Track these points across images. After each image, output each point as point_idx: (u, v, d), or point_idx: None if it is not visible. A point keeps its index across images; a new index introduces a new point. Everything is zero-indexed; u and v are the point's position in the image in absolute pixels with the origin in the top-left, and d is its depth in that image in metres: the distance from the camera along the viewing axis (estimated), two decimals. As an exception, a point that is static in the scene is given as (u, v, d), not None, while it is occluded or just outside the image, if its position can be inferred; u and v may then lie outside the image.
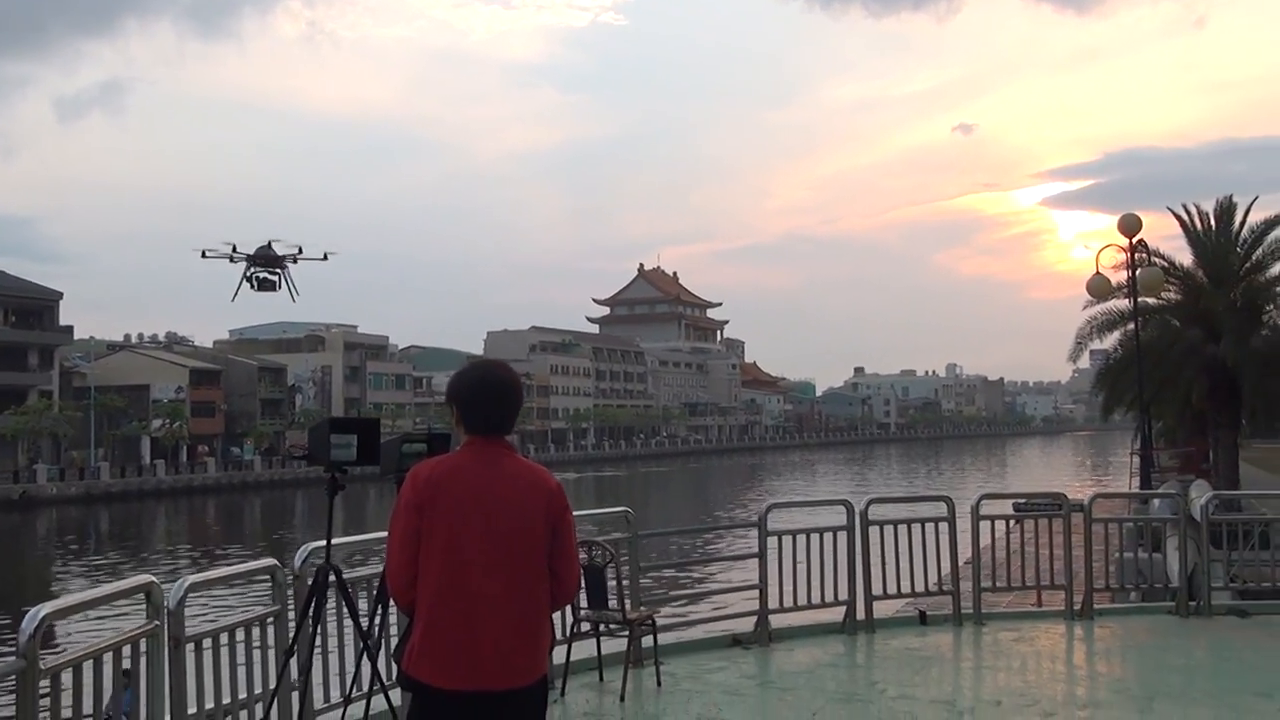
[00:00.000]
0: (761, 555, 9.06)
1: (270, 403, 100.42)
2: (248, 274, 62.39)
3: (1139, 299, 26.71)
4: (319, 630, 5.16)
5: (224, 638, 5.16)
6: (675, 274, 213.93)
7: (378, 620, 5.44)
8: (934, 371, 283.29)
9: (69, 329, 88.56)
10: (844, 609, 9.46)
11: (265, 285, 62.40)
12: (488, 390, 3.65)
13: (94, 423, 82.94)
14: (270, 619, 5.52)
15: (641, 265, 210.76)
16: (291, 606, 5.63)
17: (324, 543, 5.84)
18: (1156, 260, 29.48)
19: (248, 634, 5.34)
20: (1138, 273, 24.85)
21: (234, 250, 62.02)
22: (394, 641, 5.77)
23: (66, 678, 4.01)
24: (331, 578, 5.10)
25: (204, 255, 62.77)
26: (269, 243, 62.88)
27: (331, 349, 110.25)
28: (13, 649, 4.01)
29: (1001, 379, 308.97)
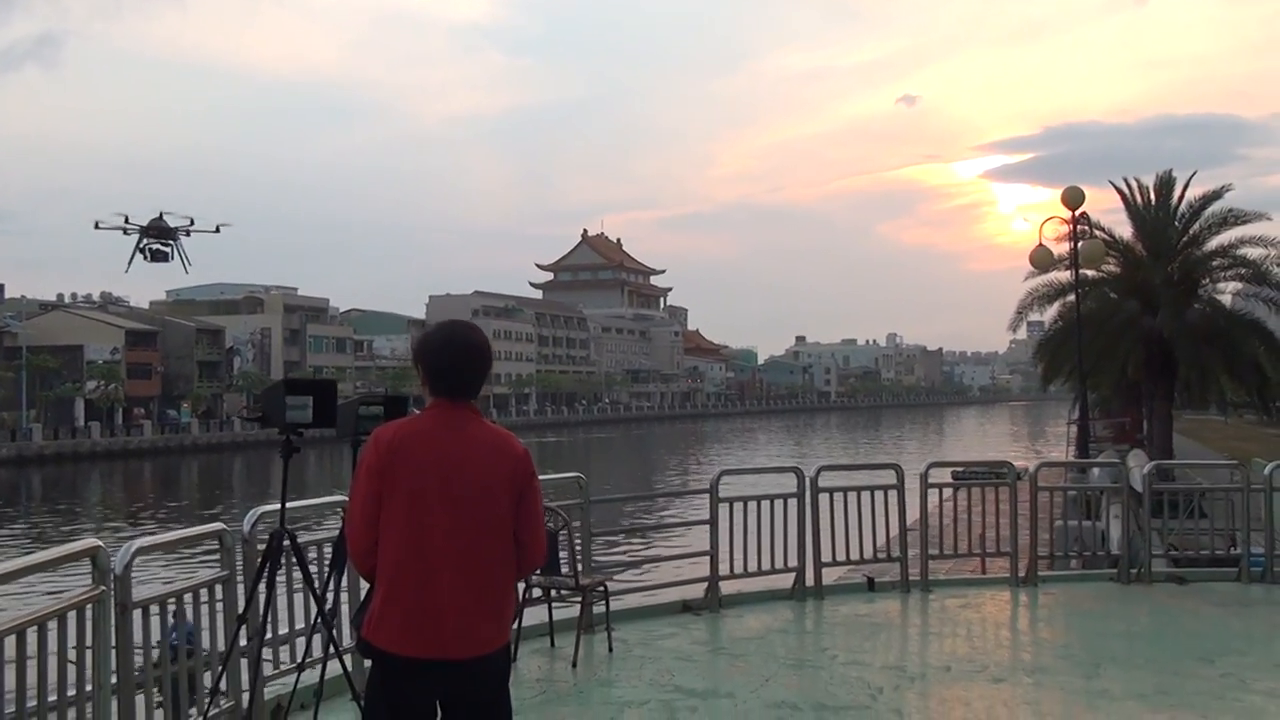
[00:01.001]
0: (713, 522, 9.06)
1: (208, 365, 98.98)
2: (141, 245, 64.07)
3: (1080, 271, 26.99)
4: (271, 596, 5.04)
5: (172, 603, 5.04)
6: (619, 241, 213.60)
7: (331, 586, 5.34)
8: (874, 341, 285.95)
9: (0, 286, 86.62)
10: (793, 575, 9.50)
11: (158, 256, 63.90)
12: (455, 352, 3.56)
13: (25, 383, 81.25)
14: (219, 584, 5.40)
15: (585, 231, 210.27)
16: (241, 571, 5.52)
17: (276, 506, 5.74)
18: (1098, 233, 29.88)
19: (195, 599, 5.22)
20: (1080, 245, 25.07)
21: (126, 221, 63.02)
22: (348, 608, 5.69)
23: (9, 646, 3.89)
24: (286, 543, 4.98)
25: (97, 226, 63.74)
26: (161, 214, 64.10)
27: (270, 311, 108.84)
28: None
29: (940, 349, 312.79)
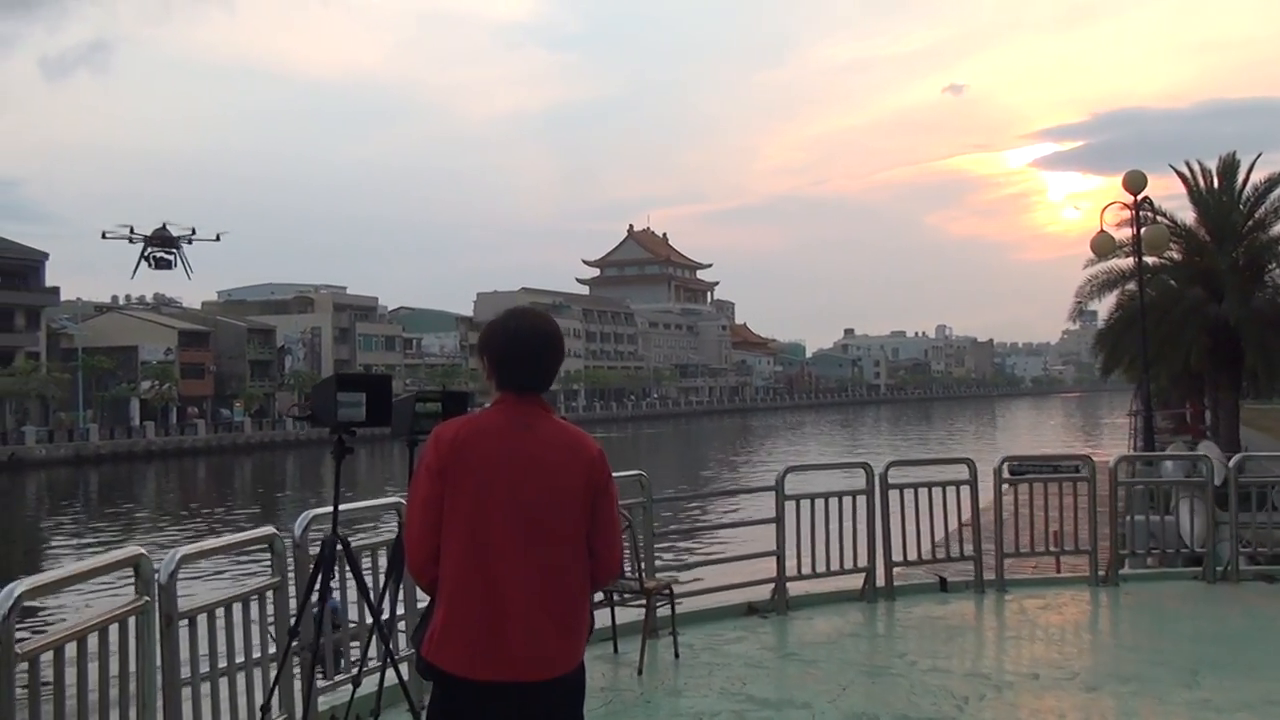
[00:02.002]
0: (779, 520, 8.70)
1: (259, 364, 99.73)
2: (145, 253, 67.07)
3: (1142, 257, 26.26)
4: (325, 606, 4.74)
5: (220, 614, 4.76)
6: (665, 235, 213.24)
7: (388, 593, 5.04)
8: (924, 333, 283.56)
9: (55, 290, 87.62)
10: (862, 576, 9.13)
11: (161, 264, 67.00)
12: (525, 341, 3.23)
13: (82, 384, 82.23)
14: (269, 591, 5.13)
15: (631, 227, 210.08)
16: (293, 578, 5.25)
17: (328, 510, 5.46)
18: (1159, 219, 29.10)
19: (245, 609, 4.94)
20: (1142, 230, 24.35)
21: (131, 231, 66.46)
22: (405, 616, 5.38)
23: (46, 661, 3.62)
24: (339, 549, 4.68)
25: (104, 236, 67.36)
26: (164, 224, 67.59)
27: (320, 310, 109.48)
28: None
29: (991, 340, 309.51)
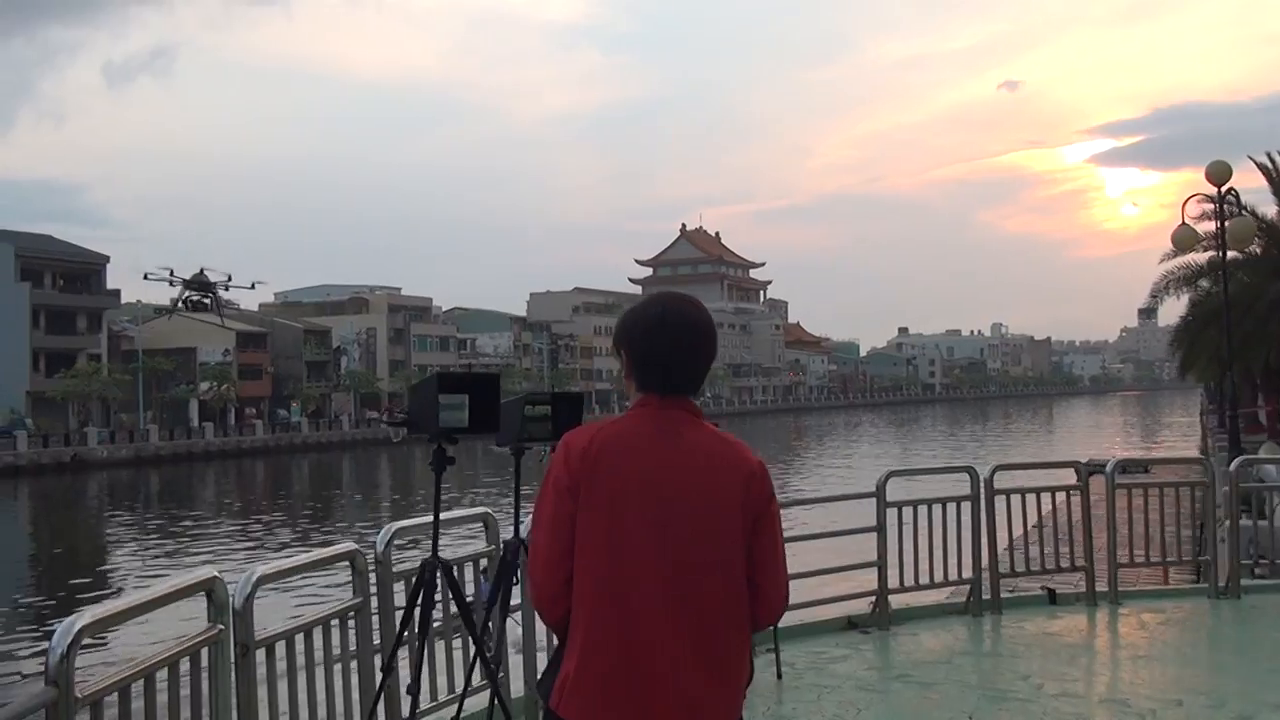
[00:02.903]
0: (880, 529, 8.12)
1: (316, 365, 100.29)
2: (183, 296, 76.26)
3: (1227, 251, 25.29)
4: (426, 639, 4.22)
5: (299, 641, 4.28)
6: (718, 234, 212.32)
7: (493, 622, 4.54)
8: (979, 331, 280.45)
9: (116, 292, 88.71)
10: (964, 588, 8.54)
11: (197, 307, 75.58)
12: (673, 333, 2.69)
13: (142, 386, 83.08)
14: (351, 614, 4.65)
15: (684, 226, 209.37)
16: (375, 598, 4.77)
17: (411, 522, 4.99)
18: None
19: (326, 634, 4.46)
20: (1228, 223, 23.41)
21: (171, 274, 76.36)
22: (509, 648, 4.87)
23: (111, 705, 3.16)
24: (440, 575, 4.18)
25: (145, 277, 78.58)
26: (201, 270, 77.17)
27: (375, 311, 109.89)
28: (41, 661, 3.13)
29: (1048, 338, 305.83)
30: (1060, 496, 8.94)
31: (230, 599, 3.81)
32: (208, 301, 75.14)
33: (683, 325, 2.70)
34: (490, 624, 4.46)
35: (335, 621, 4.55)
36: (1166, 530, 9.90)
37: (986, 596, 8.50)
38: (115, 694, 3.17)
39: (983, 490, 8.51)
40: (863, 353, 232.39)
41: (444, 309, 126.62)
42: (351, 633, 4.62)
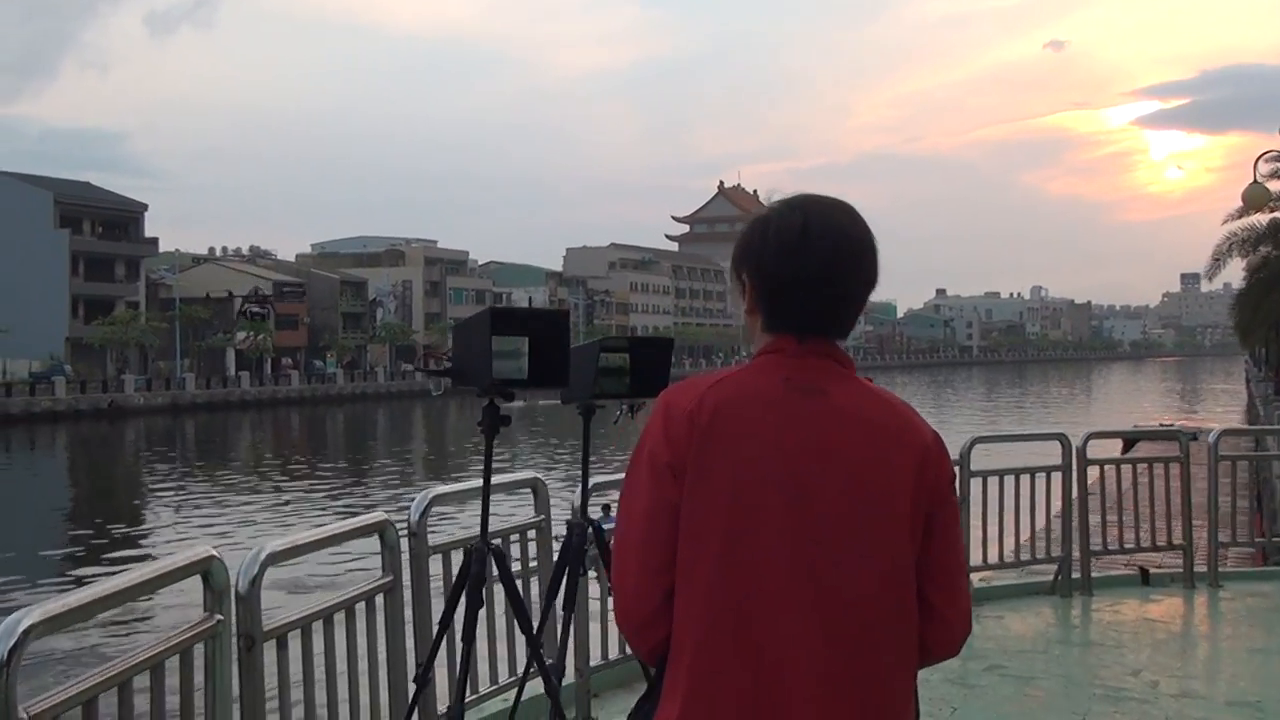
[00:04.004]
0: (964, 501, 7.35)
1: (351, 316, 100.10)
2: (242, 309, 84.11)
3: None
4: (471, 635, 3.47)
5: (317, 630, 3.59)
6: (755, 192, 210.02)
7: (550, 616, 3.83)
8: (1018, 294, 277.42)
9: (154, 241, 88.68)
10: (1051, 566, 7.78)
11: (254, 317, 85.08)
12: (819, 249, 1.90)
13: (179, 334, 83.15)
14: (380, 594, 3.95)
15: (721, 183, 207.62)
16: (409, 576, 4.08)
17: (449, 488, 4.29)
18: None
19: (349, 620, 3.77)
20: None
21: (230, 294, 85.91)
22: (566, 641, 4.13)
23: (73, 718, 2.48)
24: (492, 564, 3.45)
25: (208, 297, 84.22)
26: (256, 289, 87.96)
27: (412, 264, 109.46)
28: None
29: (1089, 302, 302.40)
30: (1159, 469, 8.11)
31: (232, 582, 3.12)
32: (264, 311, 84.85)
33: (833, 239, 1.90)
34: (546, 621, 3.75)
35: (361, 604, 3.85)
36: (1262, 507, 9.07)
37: (1075, 575, 7.74)
38: (78, 710, 2.49)
39: (1074, 460, 7.74)
40: (899, 314, 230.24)
41: (480, 263, 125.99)
42: (380, 617, 3.93)
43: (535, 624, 4.01)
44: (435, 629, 3.73)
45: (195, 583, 3.05)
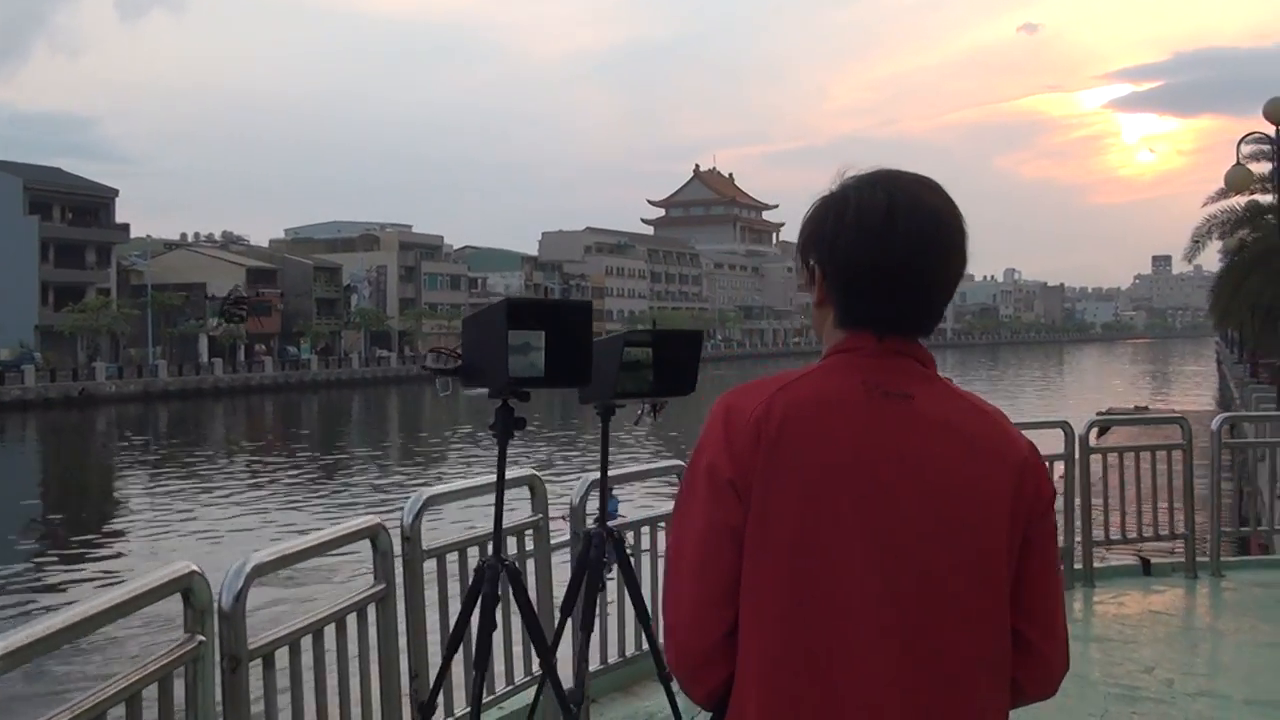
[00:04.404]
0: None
1: (325, 302, 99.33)
2: (222, 310, 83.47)
3: (1266, 193, 24.14)
4: (486, 656, 3.23)
5: (306, 644, 3.34)
6: (731, 175, 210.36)
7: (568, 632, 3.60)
8: (992, 277, 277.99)
9: (125, 227, 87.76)
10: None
11: (233, 319, 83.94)
12: (906, 234, 1.65)
13: (151, 321, 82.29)
14: (370, 606, 3.71)
15: (697, 166, 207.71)
16: (402, 584, 3.83)
17: (444, 488, 4.05)
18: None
19: (340, 633, 3.52)
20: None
21: (209, 296, 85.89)
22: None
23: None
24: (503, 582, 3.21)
25: (187, 298, 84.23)
26: (236, 286, 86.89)
27: (386, 249, 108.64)
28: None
29: (1062, 285, 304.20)
30: (1162, 456, 7.94)
31: (215, 599, 2.87)
32: (243, 312, 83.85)
33: (923, 221, 1.66)
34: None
35: (352, 615, 3.61)
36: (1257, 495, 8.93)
37: (1078, 566, 7.57)
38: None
39: (1077, 448, 7.55)
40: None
41: (455, 247, 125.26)
42: (373, 629, 3.69)
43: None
44: (439, 642, 3.49)
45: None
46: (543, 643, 3.28)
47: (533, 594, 4.40)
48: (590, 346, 2.91)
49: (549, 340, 2.84)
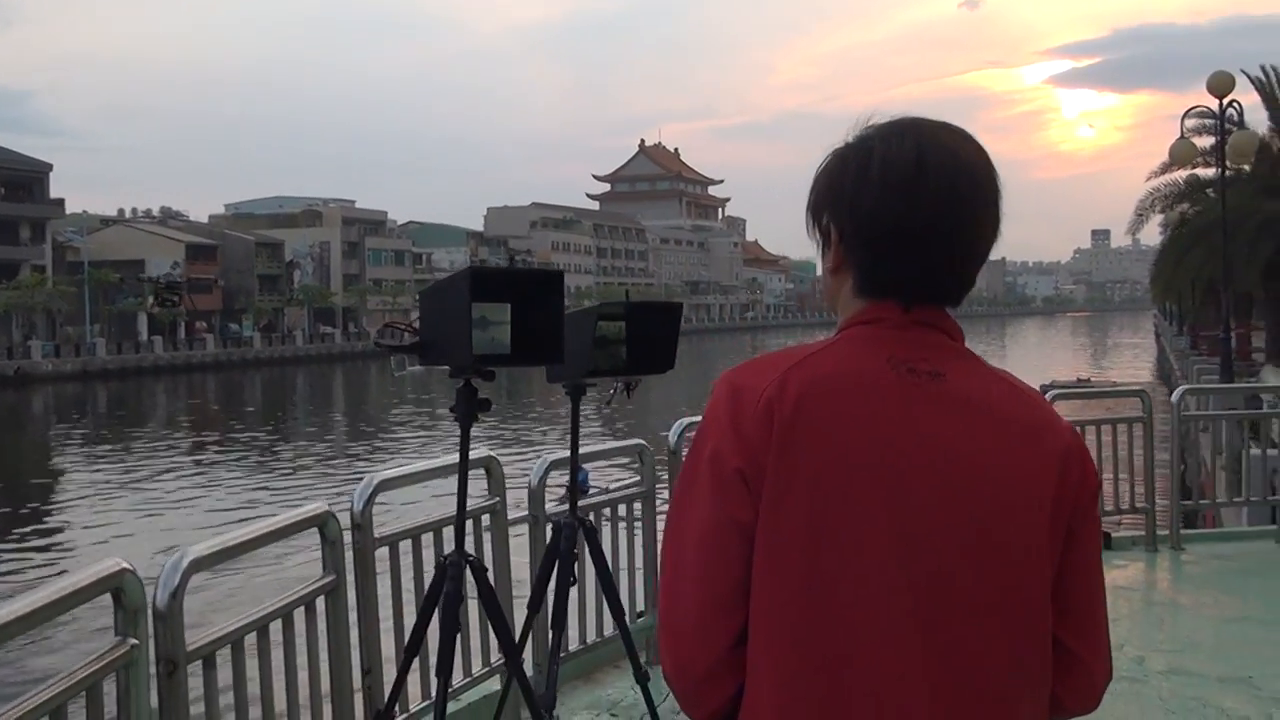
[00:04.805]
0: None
1: (268, 279, 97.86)
2: (155, 293, 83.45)
3: (1224, 168, 24.33)
4: (447, 677, 2.99)
5: (250, 644, 3.11)
6: (677, 150, 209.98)
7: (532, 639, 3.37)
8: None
9: (60, 202, 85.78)
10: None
11: (166, 303, 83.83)
12: (936, 191, 1.45)
13: (89, 298, 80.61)
14: (322, 597, 3.48)
15: (642, 141, 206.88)
16: (354, 574, 3.61)
17: (396, 472, 3.82)
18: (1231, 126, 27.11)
19: (287, 629, 3.29)
20: (1230, 137, 22.37)
21: (140, 277, 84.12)
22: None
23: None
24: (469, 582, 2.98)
25: (122, 281, 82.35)
26: (172, 267, 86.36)
27: (329, 224, 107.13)
28: None
29: (1003, 259, 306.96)
30: (1122, 430, 7.87)
31: (149, 598, 2.63)
32: (176, 298, 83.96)
33: (954, 175, 1.46)
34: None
35: (300, 609, 3.38)
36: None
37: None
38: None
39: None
40: (819, 272, 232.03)
41: (399, 223, 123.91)
42: (322, 623, 3.46)
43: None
44: (394, 636, 3.26)
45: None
46: (510, 642, 3.06)
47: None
48: (562, 321, 2.67)
49: (516, 313, 2.59)
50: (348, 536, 3.61)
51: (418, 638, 3.07)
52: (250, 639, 3.09)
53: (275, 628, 3.23)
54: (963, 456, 1.42)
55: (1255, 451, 10.03)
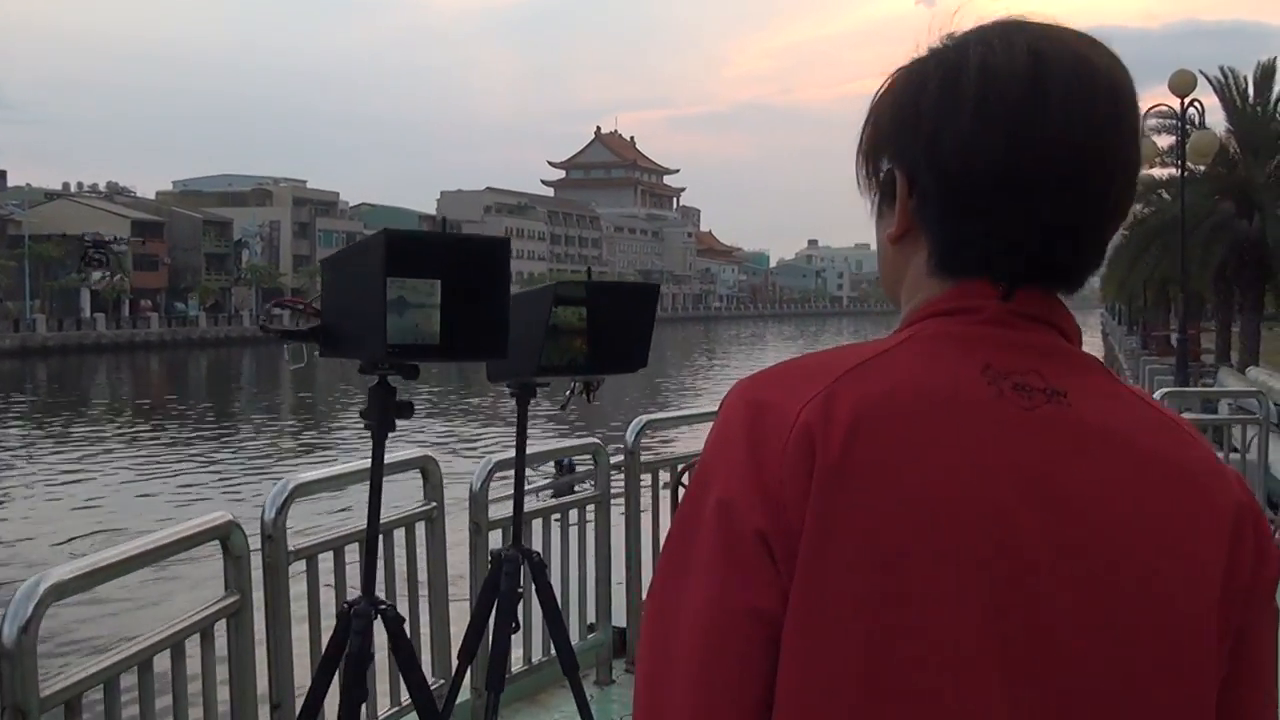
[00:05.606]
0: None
1: (215, 257, 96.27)
2: (83, 254, 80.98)
3: (1183, 168, 24.30)
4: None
5: (129, 683, 2.61)
6: (633, 139, 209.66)
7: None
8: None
9: (1, 174, 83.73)
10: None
11: (93, 263, 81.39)
12: (1059, 121, 0.93)
13: (29, 273, 78.76)
14: (220, 621, 2.98)
15: (598, 129, 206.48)
16: (263, 592, 3.11)
17: (312, 476, 3.34)
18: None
19: (177, 660, 2.79)
20: (1190, 137, 22.28)
21: (64, 235, 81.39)
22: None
23: None
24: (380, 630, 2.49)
25: (49, 237, 79.70)
26: (98, 232, 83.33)
27: (279, 204, 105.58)
28: None
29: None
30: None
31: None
32: (102, 257, 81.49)
33: (1091, 95, 0.96)
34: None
35: (195, 639, 2.88)
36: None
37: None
38: None
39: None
40: (773, 263, 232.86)
41: (351, 204, 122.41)
42: (219, 654, 2.96)
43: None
44: (308, 664, 2.78)
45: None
46: (428, 700, 2.55)
47: (423, 601, 3.71)
48: (507, 304, 2.10)
49: (447, 294, 2.03)
50: (258, 548, 3.14)
51: (314, 702, 2.56)
52: (129, 678, 2.60)
53: (161, 660, 2.74)
54: (1097, 518, 0.94)
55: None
